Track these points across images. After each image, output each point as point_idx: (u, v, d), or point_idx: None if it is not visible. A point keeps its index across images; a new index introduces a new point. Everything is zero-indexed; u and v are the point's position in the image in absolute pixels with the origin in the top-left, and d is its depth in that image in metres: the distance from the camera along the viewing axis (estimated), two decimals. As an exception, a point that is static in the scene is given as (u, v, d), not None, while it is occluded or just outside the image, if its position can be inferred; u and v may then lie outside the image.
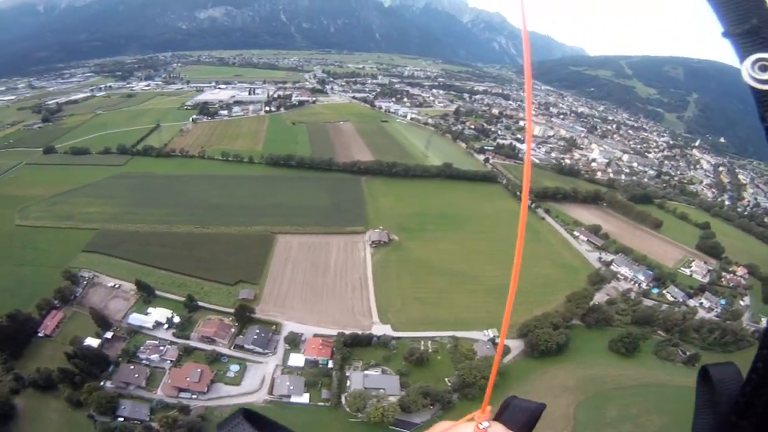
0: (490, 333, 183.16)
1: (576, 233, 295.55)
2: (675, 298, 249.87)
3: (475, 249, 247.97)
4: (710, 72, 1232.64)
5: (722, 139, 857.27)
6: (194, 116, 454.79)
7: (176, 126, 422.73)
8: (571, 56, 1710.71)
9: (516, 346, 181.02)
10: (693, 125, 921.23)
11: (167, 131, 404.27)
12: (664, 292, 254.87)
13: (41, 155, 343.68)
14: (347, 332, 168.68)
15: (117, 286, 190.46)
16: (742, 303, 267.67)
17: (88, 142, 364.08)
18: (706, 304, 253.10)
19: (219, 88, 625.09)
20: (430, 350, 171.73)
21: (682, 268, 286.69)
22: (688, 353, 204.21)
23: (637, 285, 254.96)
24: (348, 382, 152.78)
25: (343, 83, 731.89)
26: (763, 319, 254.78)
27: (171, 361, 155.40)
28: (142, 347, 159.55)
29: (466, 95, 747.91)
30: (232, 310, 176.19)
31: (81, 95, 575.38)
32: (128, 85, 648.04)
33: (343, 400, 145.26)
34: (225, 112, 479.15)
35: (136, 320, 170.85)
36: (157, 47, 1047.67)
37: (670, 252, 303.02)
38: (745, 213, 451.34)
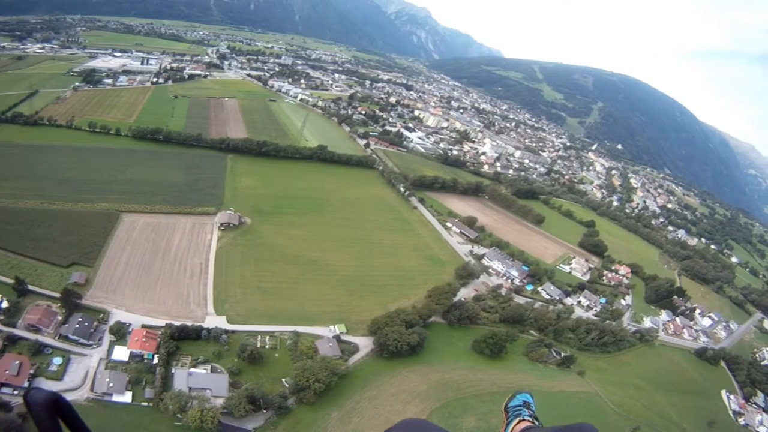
0: (336, 329, 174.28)
1: (449, 224, 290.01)
2: (551, 296, 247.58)
3: (332, 236, 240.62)
4: (620, 85, 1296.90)
5: (620, 146, 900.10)
6: (76, 84, 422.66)
7: (55, 93, 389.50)
8: (486, 56, 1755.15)
9: (365, 344, 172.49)
10: (593, 131, 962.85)
11: (44, 98, 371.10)
12: (539, 289, 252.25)
13: None
14: (177, 324, 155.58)
15: None
16: (623, 302, 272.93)
17: None
18: (585, 302, 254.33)
19: (114, 55, 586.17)
20: (267, 346, 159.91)
21: (561, 265, 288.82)
22: (562, 354, 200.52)
23: (509, 281, 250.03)
24: (173, 381, 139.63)
25: (243, 60, 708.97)
26: (644, 318, 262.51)
27: None
28: None
29: (368, 82, 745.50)
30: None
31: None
32: (22, 47, 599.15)
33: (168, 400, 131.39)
34: (109, 81, 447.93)
35: None
36: (69, 9, 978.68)
37: (551, 248, 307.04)
38: (633, 214, 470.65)
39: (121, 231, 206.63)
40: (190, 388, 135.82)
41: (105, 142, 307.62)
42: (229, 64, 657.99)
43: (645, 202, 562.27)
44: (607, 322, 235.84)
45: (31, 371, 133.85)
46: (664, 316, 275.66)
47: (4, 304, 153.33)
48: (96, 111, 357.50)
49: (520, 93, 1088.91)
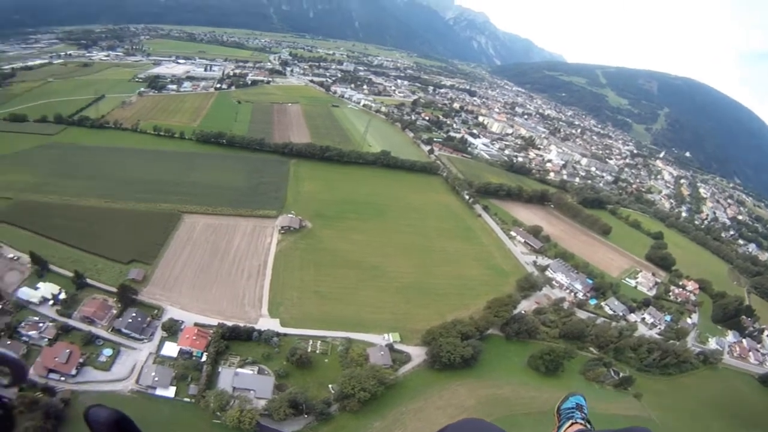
0: (390, 338, 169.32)
1: (513, 233, 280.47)
2: (614, 312, 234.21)
3: (394, 242, 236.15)
4: (685, 89, 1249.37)
5: (688, 154, 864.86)
6: (141, 89, 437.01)
7: (121, 98, 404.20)
8: (548, 61, 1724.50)
9: (417, 354, 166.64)
10: (660, 138, 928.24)
11: (110, 103, 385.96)
12: (602, 304, 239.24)
13: None
14: (229, 324, 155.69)
15: (16, 258, 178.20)
16: (689, 320, 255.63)
17: (29, 110, 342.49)
18: (649, 319, 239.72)
19: (177, 62, 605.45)
20: (318, 351, 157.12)
21: (627, 279, 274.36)
22: (621, 375, 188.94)
23: (573, 294, 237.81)
24: (218, 379, 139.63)
25: (306, 66, 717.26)
26: (710, 339, 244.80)
27: (48, 339, 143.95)
28: (23, 323, 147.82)
29: (431, 88, 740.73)
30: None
31: (38, 62, 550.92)
32: (88, 54, 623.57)
33: (210, 398, 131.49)
34: (174, 87, 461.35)
35: (24, 294, 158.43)
36: (132, 19, 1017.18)
37: (617, 261, 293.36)
38: (702, 226, 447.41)
39: (182, 231, 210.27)
40: (234, 388, 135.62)
41: (169, 145, 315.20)
42: (292, 71, 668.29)
43: (715, 213, 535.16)
44: (671, 342, 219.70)
45: (81, 360, 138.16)
46: (730, 337, 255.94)
47: (62, 296, 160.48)
48: (161, 115, 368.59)
49: (585, 98, 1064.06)
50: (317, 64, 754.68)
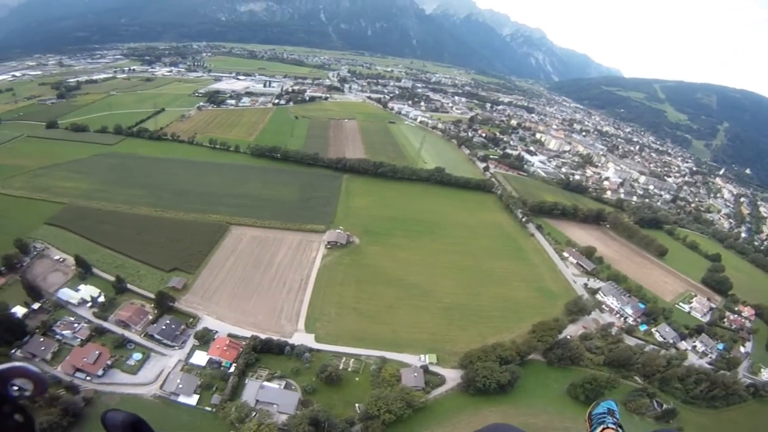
0: (426, 359, 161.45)
1: (566, 254, 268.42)
2: (664, 339, 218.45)
3: (441, 261, 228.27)
4: (745, 103, 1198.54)
5: (748, 171, 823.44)
6: (201, 103, 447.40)
7: (180, 111, 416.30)
8: (606, 76, 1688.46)
9: (453, 377, 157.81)
10: (720, 154, 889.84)
11: (169, 116, 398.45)
12: (652, 330, 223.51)
13: (44, 129, 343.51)
14: (262, 336, 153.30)
15: (62, 260, 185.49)
16: (742, 349, 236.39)
17: (90, 121, 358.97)
18: (700, 347, 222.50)
19: (238, 78, 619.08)
20: (350, 369, 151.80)
21: (680, 304, 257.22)
22: (664, 406, 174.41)
23: (623, 319, 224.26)
24: (243, 391, 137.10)
25: (364, 83, 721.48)
26: (763, 370, 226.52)
27: (81, 339, 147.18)
28: (58, 322, 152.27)
29: (488, 105, 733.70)
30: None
31: (103, 75, 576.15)
32: (151, 70, 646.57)
33: (230, 408, 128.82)
34: (233, 102, 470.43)
35: (64, 295, 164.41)
36: (194, 37, 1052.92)
37: (671, 284, 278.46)
38: (762, 247, 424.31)
39: (228, 242, 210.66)
40: (257, 401, 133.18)
41: (224, 158, 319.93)
42: (350, 87, 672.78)
43: None
44: (721, 372, 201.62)
45: (109, 362, 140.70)
46: None
47: (101, 299, 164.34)
48: (218, 129, 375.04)
49: (643, 114, 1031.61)
50: (375, 80, 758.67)
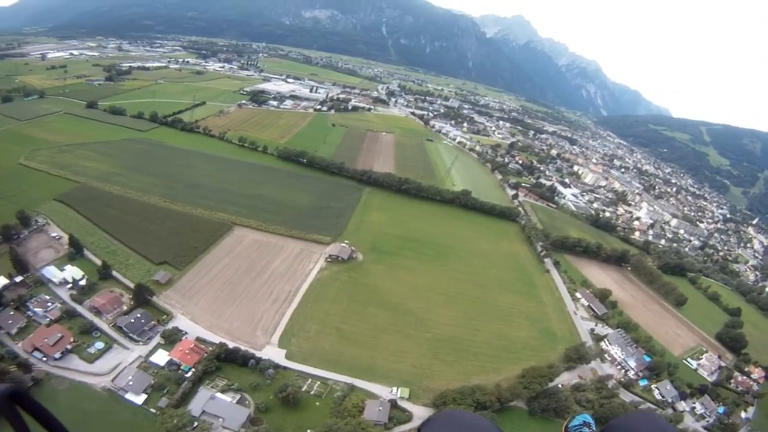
0: (397, 392, 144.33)
1: (578, 295, 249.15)
2: (663, 397, 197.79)
3: (445, 288, 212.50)
4: None
5: None
6: (242, 101, 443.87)
7: (220, 107, 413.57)
8: (654, 115, 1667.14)
9: (422, 416, 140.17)
10: (756, 203, 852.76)
11: (208, 110, 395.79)
12: (653, 386, 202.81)
13: (83, 108, 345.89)
14: (231, 345, 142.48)
15: (58, 237, 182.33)
16: (743, 414, 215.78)
17: (130, 106, 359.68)
18: (699, 410, 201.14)
19: (286, 81, 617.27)
20: (312, 392, 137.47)
21: (689, 359, 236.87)
22: None
23: (623, 371, 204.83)
24: (192, 399, 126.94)
25: (410, 99, 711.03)
26: None
27: (50, 319, 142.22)
28: (34, 299, 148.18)
29: (531, 132, 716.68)
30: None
31: (156, 64, 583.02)
32: (204, 64, 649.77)
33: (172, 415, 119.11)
34: (275, 103, 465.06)
35: (48, 273, 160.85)
36: (255, 37, 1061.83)
37: (683, 337, 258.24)
38: None
39: (227, 242, 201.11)
40: (204, 411, 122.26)
41: (249, 157, 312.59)
42: (395, 101, 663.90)
43: None
44: None
45: (69, 347, 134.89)
46: None
47: (83, 282, 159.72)
48: (252, 128, 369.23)
49: (686, 156, 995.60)
50: (423, 97, 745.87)
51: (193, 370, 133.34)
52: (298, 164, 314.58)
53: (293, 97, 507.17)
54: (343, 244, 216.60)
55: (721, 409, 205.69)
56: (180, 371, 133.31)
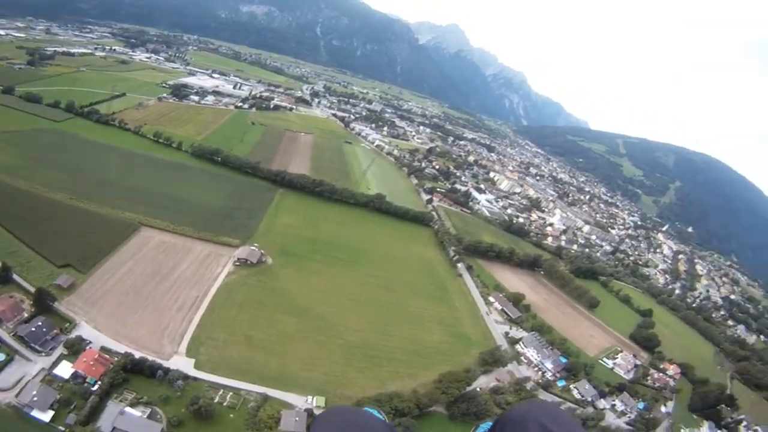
0: (313, 401, 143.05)
1: (491, 299, 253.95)
2: (583, 396, 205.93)
3: (356, 293, 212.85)
4: (700, 165, 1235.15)
5: (690, 229, 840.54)
6: (163, 95, 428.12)
7: (139, 99, 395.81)
8: (572, 126, 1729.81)
9: None
10: (666, 211, 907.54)
11: (127, 102, 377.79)
12: (571, 386, 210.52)
13: None
14: (136, 355, 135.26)
15: None
16: (663, 409, 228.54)
17: (48, 93, 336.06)
18: (620, 407, 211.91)
19: (212, 76, 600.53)
20: (225, 403, 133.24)
21: (604, 359, 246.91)
22: None
23: (541, 373, 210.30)
24: (101, 414, 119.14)
25: (334, 100, 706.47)
26: (682, 430, 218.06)
27: None
28: None
29: (451, 138, 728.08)
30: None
31: (81, 50, 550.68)
32: (131, 53, 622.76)
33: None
34: (196, 98, 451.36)
35: None
36: (189, 29, 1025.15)
37: (598, 338, 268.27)
38: (694, 305, 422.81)
39: (133, 244, 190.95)
40: (114, 428, 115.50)
41: (163, 153, 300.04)
42: (318, 102, 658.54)
43: (708, 291, 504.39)
44: None
45: None
46: (705, 428, 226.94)
47: None
48: (170, 123, 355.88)
49: (601, 166, 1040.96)
50: (347, 99, 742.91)
51: (100, 382, 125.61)
52: (212, 162, 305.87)
53: (216, 93, 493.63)
54: (253, 247, 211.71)
55: (641, 405, 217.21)
56: (86, 384, 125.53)
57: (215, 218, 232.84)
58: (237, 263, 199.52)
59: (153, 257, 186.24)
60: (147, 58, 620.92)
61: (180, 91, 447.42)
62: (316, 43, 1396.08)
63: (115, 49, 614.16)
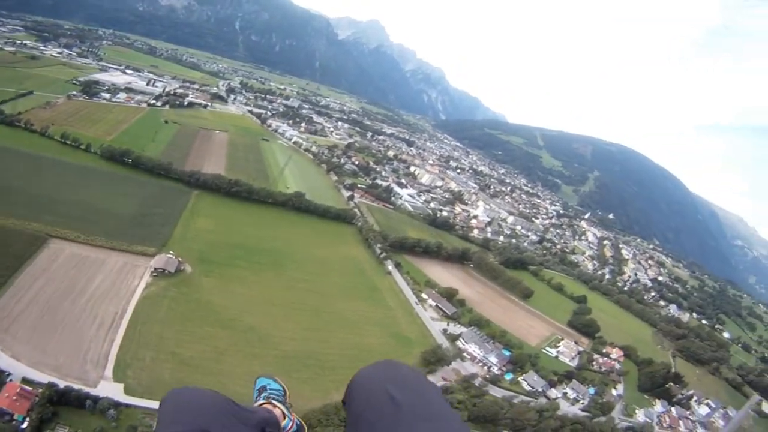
0: None
1: (424, 296, 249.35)
2: (533, 387, 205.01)
3: (285, 300, 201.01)
4: (617, 156, 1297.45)
5: (611, 216, 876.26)
6: (73, 92, 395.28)
7: (48, 97, 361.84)
8: (491, 120, 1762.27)
9: None
10: (587, 199, 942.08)
11: (34, 100, 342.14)
12: (519, 379, 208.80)
13: None
14: (61, 385, 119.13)
15: None
16: (614, 392, 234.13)
17: None
18: (571, 394, 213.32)
19: (125, 72, 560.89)
20: None
21: (547, 348, 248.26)
22: None
23: (486, 368, 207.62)
24: None
25: (250, 97, 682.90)
26: (637, 411, 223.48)
27: None
28: None
29: (370, 134, 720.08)
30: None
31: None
32: (42, 48, 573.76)
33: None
34: (107, 95, 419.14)
35: None
36: (105, 23, 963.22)
37: (537, 328, 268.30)
38: (625, 288, 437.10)
39: (42, 259, 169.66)
40: None
41: (70, 156, 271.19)
42: (234, 99, 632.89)
43: (636, 274, 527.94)
44: (596, 420, 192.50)
45: None
46: (658, 406, 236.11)
47: None
48: (79, 123, 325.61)
49: (520, 158, 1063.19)
50: (263, 96, 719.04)
51: (28, 419, 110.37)
52: (123, 165, 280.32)
53: (128, 90, 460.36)
54: (169, 255, 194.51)
55: (591, 391, 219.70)
56: (14, 422, 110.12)
57: (128, 225, 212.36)
58: (154, 274, 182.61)
59: (65, 272, 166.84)
60: (59, 53, 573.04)
61: (91, 89, 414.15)
62: (234, 38, 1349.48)
63: (26, 44, 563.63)
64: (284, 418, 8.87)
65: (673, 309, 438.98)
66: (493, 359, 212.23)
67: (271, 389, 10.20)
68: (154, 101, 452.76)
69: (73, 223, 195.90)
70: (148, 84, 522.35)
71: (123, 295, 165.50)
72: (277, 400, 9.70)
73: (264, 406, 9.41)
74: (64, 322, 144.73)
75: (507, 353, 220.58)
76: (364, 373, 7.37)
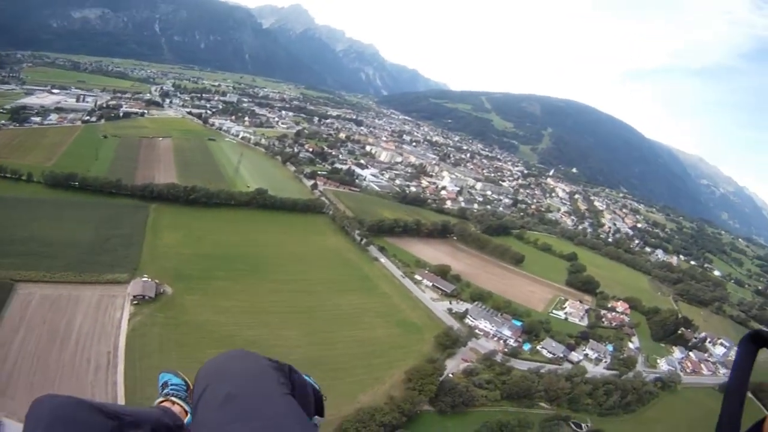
0: None
1: (418, 277, 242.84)
2: (553, 354, 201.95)
3: (276, 305, 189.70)
4: (567, 110, 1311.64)
5: (574, 170, 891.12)
6: (1, 121, 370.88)
7: None
8: (434, 90, 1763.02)
9: None
10: (546, 157, 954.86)
11: None
12: (538, 347, 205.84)
13: None
14: None
15: None
16: (631, 345, 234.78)
17: None
18: (592, 355, 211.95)
19: (51, 92, 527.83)
20: None
21: (554, 311, 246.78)
22: (584, 427, 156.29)
23: (503, 342, 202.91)
24: None
25: (187, 98, 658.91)
26: (659, 361, 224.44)
27: None
28: None
29: (316, 119, 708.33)
30: None
31: None
32: None
33: None
34: (38, 119, 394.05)
35: None
36: (21, 45, 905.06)
37: (538, 292, 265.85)
38: (609, 240, 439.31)
39: (15, 307, 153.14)
40: None
41: (13, 190, 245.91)
42: (170, 102, 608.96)
43: (615, 224, 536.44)
44: (625, 377, 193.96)
45: None
46: (677, 353, 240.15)
47: None
48: (14, 153, 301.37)
49: (471, 124, 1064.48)
50: (199, 95, 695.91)
51: None
52: (69, 189, 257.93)
53: (59, 110, 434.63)
54: (144, 279, 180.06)
55: (610, 348, 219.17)
56: None
57: (90, 254, 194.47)
58: (135, 302, 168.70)
59: (42, 318, 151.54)
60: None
61: (20, 115, 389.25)
62: (156, 41, 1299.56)
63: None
64: (186, 415, 8.12)
65: (659, 253, 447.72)
66: (507, 332, 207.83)
67: (172, 385, 9.14)
68: (88, 117, 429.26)
69: (34, 262, 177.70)
70: (78, 100, 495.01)
71: (110, 331, 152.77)
72: (177, 396, 8.77)
73: (163, 404, 8.56)
74: (60, 373, 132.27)
75: (518, 323, 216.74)
76: (205, 369, 6.79)
